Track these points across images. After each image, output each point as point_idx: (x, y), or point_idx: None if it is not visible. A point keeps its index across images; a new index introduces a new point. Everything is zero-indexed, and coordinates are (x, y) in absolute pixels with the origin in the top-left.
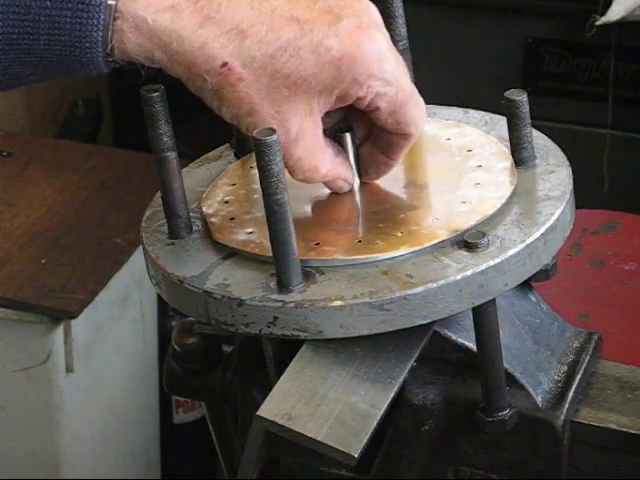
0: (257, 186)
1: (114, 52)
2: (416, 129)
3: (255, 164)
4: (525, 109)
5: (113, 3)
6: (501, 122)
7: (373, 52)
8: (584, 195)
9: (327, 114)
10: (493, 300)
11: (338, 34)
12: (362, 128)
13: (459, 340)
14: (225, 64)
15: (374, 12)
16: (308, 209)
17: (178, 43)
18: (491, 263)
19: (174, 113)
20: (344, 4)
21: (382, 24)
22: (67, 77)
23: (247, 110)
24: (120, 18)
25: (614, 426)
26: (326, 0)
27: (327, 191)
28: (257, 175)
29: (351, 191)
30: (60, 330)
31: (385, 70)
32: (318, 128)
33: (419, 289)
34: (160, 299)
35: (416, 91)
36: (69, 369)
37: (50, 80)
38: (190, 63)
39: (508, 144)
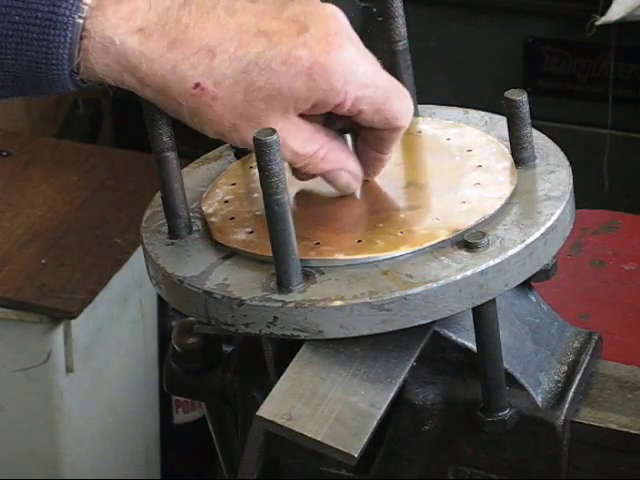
0: (257, 186)
1: (80, 71)
2: (404, 121)
3: (255, 164)
4: (525, 109)
5: (81, 22)
6: (501, 122)
7: (344, 59)
8: (584, 195)
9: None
10: (493, 300)
11: (306, 43)
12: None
13: (459, 340)
14: (197, 85)
15: (340, 17)
16: (308, 209)
17: (147, 66)
18: (491, 263)
19: None
20: (310, 11)
21: (349, 28)
22: (36, 94)
23: (229, 127)
24: (87, 37)
25: (614, 426)
26: (292, 9)
27: (327, 191)
28: (257, 175)
29: (353, 191)
30: (60, 330)
31: (358, 74)
32: (300, 123)
33: (419, 289)
34: (160, 299)
35: (397, 84)
36: (69, 369)
37: (20, 96)
38: (162, 87)
39: (508, 144)
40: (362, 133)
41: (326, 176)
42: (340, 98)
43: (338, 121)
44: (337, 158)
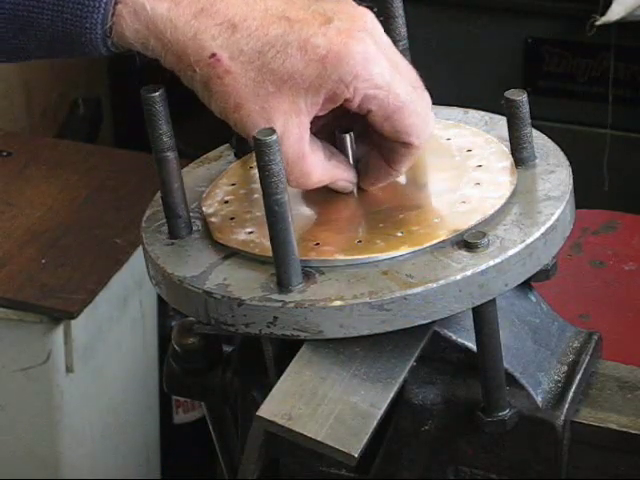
0: (257, 186)
1: (112, 36)
2: (417, 139)
3: (255, 164)
4: (525, 109)
5: None
6: (501, 122)
7: (359, 53)
8: (584, 195)
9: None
10: (493, 300)
11: (326, 33)
12: (374, 135)
13: (459, 340)
14: (213, 55)
15: (370, 19)
16: (308, 209)
17: (172, 32)
18: (491, 263)
19: (174, 113)
20: (339, 9)
21: (376, 32)
22: (70, 55)
23: (233, 105)
24: (121, 3)
25: (614, 426)
26: (322, 4)
27: (327, 191)
28: (257, 175)
29: (351, 191)
30: (60, 330)
31: (372, 72)
32: (304, 131)
33: (419, 289)
34: (160, 299)
35: (419, 100)
36: (69, 369)
37: (55, 57)
38: (181, 52)
39: (508, 144)
40: (379, 141)
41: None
42: (349, 92)
43: (353, 122)
44: (330, 176)
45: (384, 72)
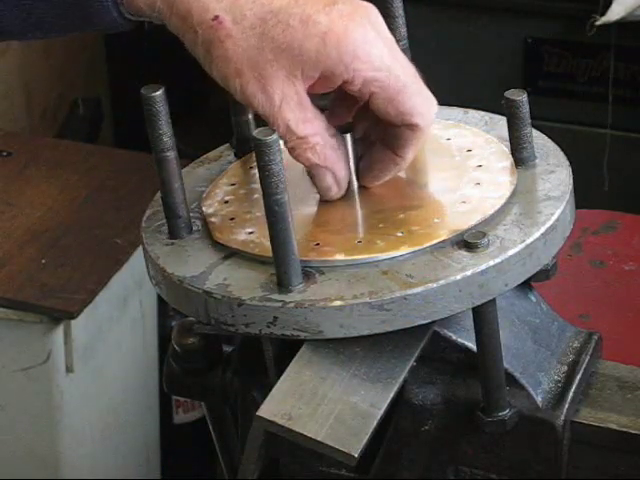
0: (257, 186)
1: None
2: (422, 119)
3: (255, 164)
4: (525, 109)
5: None
6: (501, 122)
7: (359, 35)
8: (584, 195)
9: (335, 114)
10: (493, 300)
11: (329, 14)
12: (376, 130)
13: (459, 340)
14: (216, 17)
15: (373, 11)
16: (308, 209)
17: None
18: (491, 263)
19: (174, 113)
20: None
21: (379, 26)
22: (86, 25)
23: (234, 70)
24: None
25: (614, 426)
26: None
27: None
28: (257, 175)
29: (351, 191)
30: (60, 330)
31: (371, 54)
32: (303, 98)
33: (419, 289)
34: (160, 299)
35: (416, 80)
36: (69, 369)
37: (73, 31)
38: (186, 13)
39: (508, 144)
40: (384, 132)
41: (311, 170)
42: (349, 74)
43: (360, 115)
44: (327, 155)
45: (383, 55)
